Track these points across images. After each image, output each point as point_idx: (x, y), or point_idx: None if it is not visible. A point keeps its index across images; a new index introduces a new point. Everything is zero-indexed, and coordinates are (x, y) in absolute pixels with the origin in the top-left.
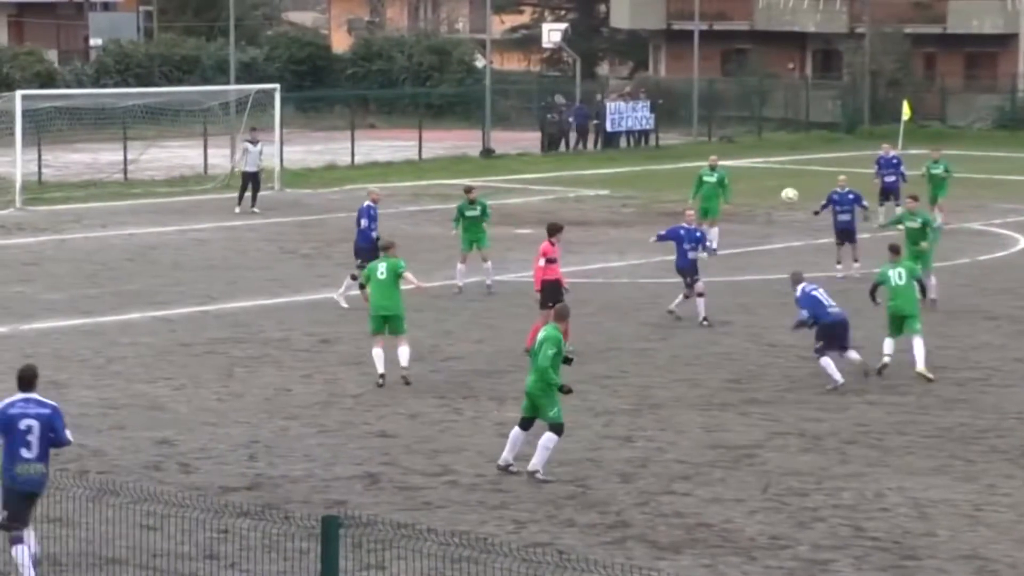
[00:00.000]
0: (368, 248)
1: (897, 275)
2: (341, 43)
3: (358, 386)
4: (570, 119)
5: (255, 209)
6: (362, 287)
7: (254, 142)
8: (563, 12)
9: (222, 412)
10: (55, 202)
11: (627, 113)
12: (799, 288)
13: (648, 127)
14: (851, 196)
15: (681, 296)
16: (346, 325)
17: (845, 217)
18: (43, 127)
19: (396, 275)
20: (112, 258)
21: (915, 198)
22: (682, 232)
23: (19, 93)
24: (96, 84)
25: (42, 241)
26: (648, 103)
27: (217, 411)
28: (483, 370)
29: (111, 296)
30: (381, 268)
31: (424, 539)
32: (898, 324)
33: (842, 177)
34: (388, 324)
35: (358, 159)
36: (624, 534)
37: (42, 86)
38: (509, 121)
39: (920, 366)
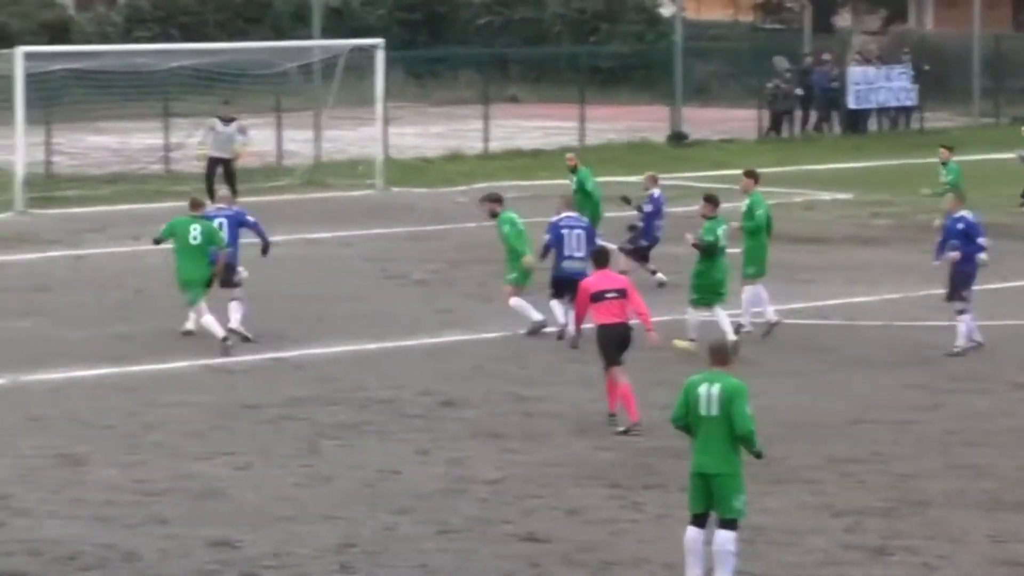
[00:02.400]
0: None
1: None
2: None
3: (496, 468)
4: (796, 91)
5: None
6: None
7: (227, 120)
8: None
9: (303, 502)
10: (69, 203)
11: (878, 83)
12: None
13: (909, 103)
14: None
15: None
16: (479, 381)
17: None
18: (54, 98)
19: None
20: (149, 283)
21: None
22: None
23: (20, 50)
24: (127, 38)
25: (52, 258)
26: (909, 69)
27: (296, 500)
28: (673, 448)
29: (148, 336)
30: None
31: None
32: None
33: None
34: None
35: (493, 145)
36: None
37: (52, 40)
38: (709, 93)
39: None
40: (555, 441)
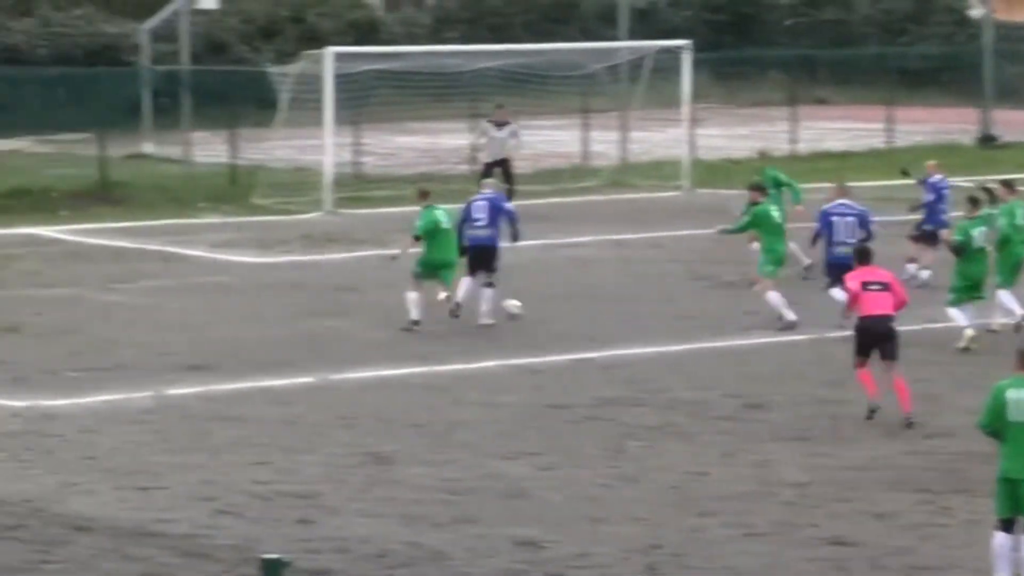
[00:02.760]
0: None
1: None
2: None
3: (802, 471)
4: None
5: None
6: None
7: (500, 124)
8: None
9: (609, 503)
10: (377, 203)
11: None
12: None
13: None
14: None
15: None
16: (785, 383)
17: None
18: (362, 99)
19: None
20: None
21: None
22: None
23: (330, 51)
24: (435, 39)
25: (361, 258)
26: None
27: (602, 501)
28: (981, 452)
29: (455, 336)
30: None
31: None
32: None
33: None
34: None
35: (801, 147)
36: None
37: (360, 41)
38: (1019, 95)
39: None
40: (862, 444)
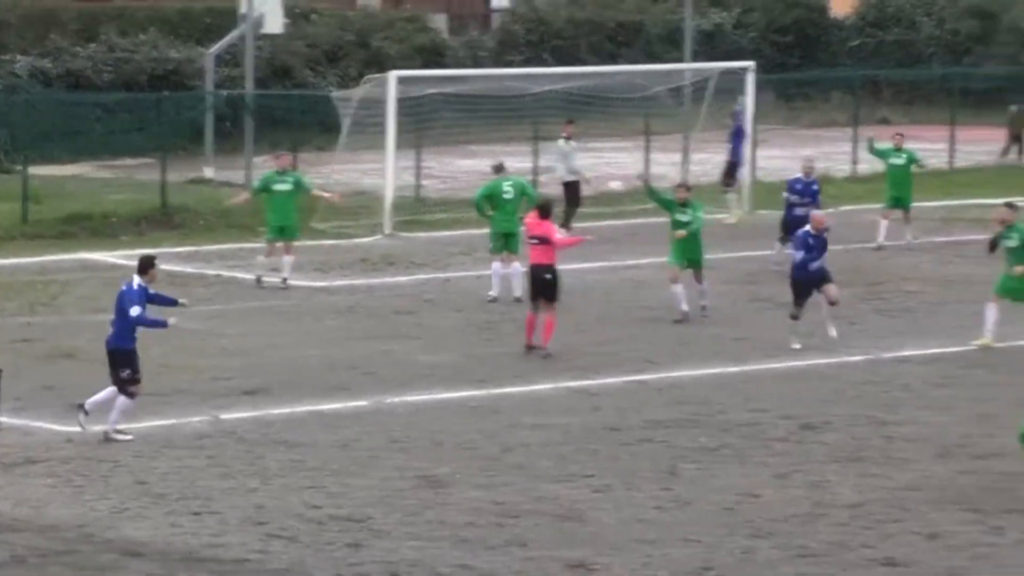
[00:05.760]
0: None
1: None
2: (842, 3)
3: (856, 492)
4: None
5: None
6: None
7: (568, 138)
8: None
9: (662, 525)
10: (438, 226)
11: None
12: None
13: None
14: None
15: None
16: (838, 404)
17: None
18: (424, 122)
19: None
20: (512, 305)
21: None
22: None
23: (393, 74)
24: (499, 62)
25: (420, 281)
26: None
27: (655, 523)
28: None
29: (512, 358)
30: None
31: None
32: None
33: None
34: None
35: (862, 168)
36: None
37: (426, 64)
38: None
39: None
40: (916, 465)
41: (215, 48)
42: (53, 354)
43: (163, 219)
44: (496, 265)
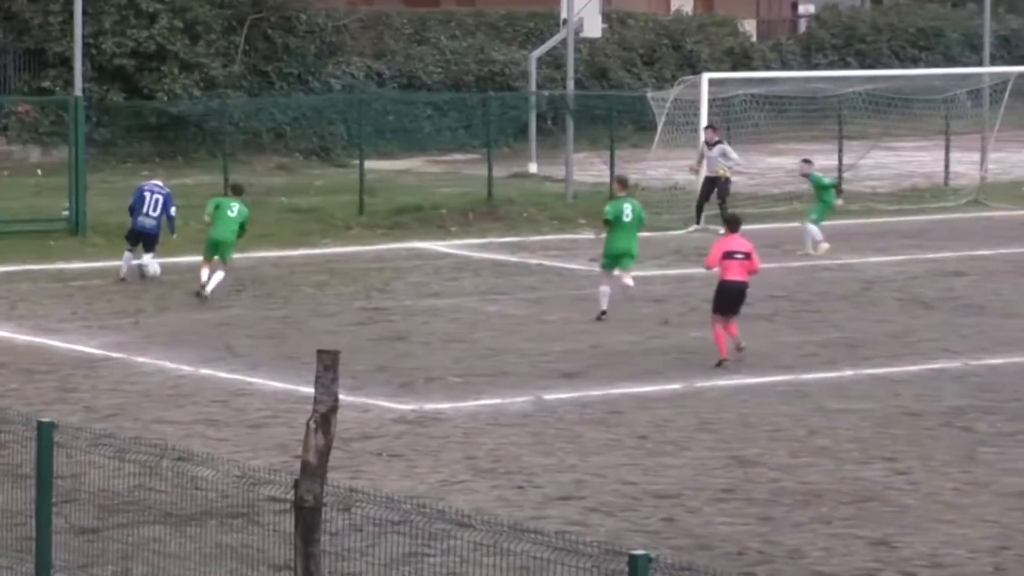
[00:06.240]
0: None
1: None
2: None
3: None
4: None
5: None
6: None
7: (711, 144)
8: None
9: (961, 507)
10: (747, 221)
11: None
12: None
13: None
14: None
15: None
16: None
17: None
18: (733, 121)
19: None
20: (819, 295)
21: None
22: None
23: (705, 76)
24: (805, 64)
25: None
26: None
27: (954, 505)
28: None
29: (818, 347)
30: None
31: None
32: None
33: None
34: None
35: None
36: None
37: (734, 67)
38: None
39: None
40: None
41: (538, 51)
42: (386, 336)
43: (488, 211)
44: (604, 288)
